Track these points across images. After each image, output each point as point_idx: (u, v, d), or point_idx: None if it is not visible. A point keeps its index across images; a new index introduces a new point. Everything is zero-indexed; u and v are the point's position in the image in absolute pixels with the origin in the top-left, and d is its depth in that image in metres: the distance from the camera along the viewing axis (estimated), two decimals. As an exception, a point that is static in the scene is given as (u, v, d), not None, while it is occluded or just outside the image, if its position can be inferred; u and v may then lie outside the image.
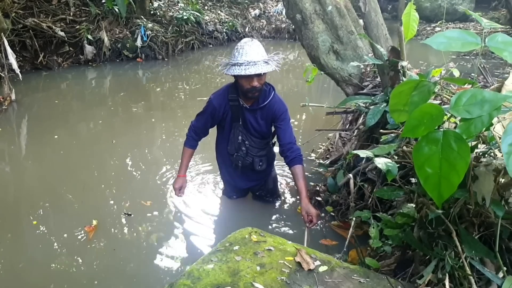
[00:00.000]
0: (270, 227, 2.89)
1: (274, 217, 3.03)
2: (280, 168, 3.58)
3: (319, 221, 2.80)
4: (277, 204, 3.17)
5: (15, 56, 5.95)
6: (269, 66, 2.35)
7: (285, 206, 3.18)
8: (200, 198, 3.32)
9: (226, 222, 3.00)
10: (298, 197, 3.29)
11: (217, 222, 3.02)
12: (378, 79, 3.28)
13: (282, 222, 2.97)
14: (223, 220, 3.04)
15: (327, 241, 2.67)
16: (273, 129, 2.75)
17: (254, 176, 2.92)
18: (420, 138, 1.26)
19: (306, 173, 3.59)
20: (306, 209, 2.41)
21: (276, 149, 2.89)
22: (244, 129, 2.65)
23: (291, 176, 3.59)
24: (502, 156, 1.49)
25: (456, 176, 1.19)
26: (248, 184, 3.00)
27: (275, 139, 2.85)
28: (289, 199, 3.28)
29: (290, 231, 2.87)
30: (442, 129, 1.23)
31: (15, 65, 5.83)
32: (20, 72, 5.95)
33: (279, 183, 3.30)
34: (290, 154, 2.59)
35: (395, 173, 1.72)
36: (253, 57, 2.31)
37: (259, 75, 2.35)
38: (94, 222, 2.90)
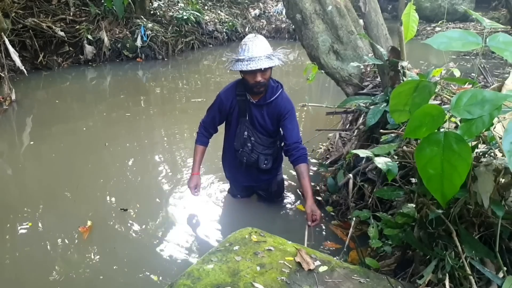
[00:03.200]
0: (270, 227, 2.88)
1: (274, 217, 3.02)
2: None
3: (321, 222, 2.80)
4: (278, 204, 3.16)
5: (17, 54, 5.95)
6: (271, 61, 2.37)
7: (286, 206, 3.17)
8: (200, 198, 3.32)
9: (227, 222, 3.00)
10: (298, 196, 3.30)
11: (217, 222, 3.01)
12: (378, 79, 3.28)
13: (283, 222, 2.97)
14: (224, 220, 3.03)
15: (330, 244, 2.67)
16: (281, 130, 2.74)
17: (259, 176, 2.90)
18: (422, 139, 1.27)
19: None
20: (312, 208, 2.43)
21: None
22: (250, 124, 2.66)
23: (290, 175, 3.61)
24: (502, 156, 1.49)
25: (458, 177, 1.20)
26: (251, 182, 2.98)
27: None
28: (290, 199, 3.28)
29: (290, 231, 2.86)
30: (443, 130, 1.23)
31: (18, 63, 5.85)
32: (22, 70, 5.96)
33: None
34: (295, 153, 2.59)
35: (395, 172, 1.72)
36: (255, 52, 2.35)
37: (261, 70, 2.37)
38: (89, 223, 2.89)
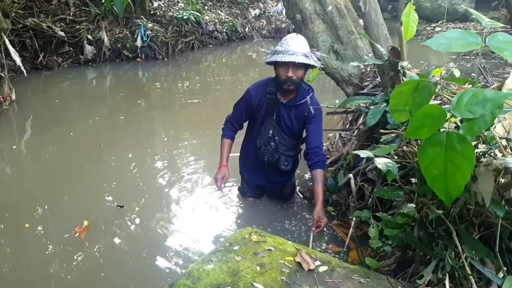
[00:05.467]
0: (270, 227, 2.89)
1: (274, 217, 3.02)
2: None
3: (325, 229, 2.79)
4: (281, 205, 3.16)
5: (18, 54, 5.96)
6: (307, 59, 2.37)
7: (286, 207, 3.17)
8: (199, 198, 3.32)
9: (227, 222, 3.00)
10: (301, 198, 3.30)
11: (218, 221, 3.01)
12: (378, 79, 3.28)
13: (283, 222, 2.97)
14: (224, 220, 3.03)
15: (333, 247, 2.66)
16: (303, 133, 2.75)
17: (275, 177, 2.91)
18: (424, 140, 1.26)
19: (306, 173, 3.61)
20: (320, 215, 2.43)
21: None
22: (276, 124, 2.66)
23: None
24: (502, 156, 1.49)
25: (462, 177, 1.20)
26: (265, 182, 2.97)
27: (302, 146, 2.84)
28: (293, 200, 3.27)
29: (291, 232, 2.86)
30: (445, 130, 1.23)
31: (19, 63, 5.86)
32: (22, 70, 5.96)
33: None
34: (314, 157, 2.60)
35: (395, 173, 1.71)
36: (293, 47, 2.37)
37: (295, 65, 2.38)
38: (86, 223, 2.88)
